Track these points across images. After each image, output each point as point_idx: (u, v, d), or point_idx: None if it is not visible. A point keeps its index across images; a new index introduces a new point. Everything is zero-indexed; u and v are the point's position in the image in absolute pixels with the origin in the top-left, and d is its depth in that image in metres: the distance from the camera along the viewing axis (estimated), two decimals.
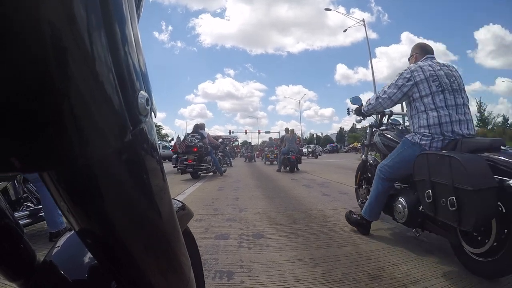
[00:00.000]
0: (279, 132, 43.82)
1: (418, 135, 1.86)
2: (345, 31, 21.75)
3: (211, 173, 7.90)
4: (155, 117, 0.41)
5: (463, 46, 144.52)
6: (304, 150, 25.46)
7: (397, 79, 1.95)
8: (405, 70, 1.95)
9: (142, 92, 0.34)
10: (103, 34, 0.28)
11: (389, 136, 2.36)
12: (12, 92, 0.23)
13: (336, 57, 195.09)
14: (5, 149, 0.24)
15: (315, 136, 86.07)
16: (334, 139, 75.30)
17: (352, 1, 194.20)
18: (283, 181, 6.07)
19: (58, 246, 0.52)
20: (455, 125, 1.77)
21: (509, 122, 38.17)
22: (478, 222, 1.32)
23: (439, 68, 1.89)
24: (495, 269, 1.40)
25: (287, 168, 8.92)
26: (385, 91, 2.02)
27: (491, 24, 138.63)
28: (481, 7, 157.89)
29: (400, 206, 1.95)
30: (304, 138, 55.72)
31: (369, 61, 18.04)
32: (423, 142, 1.81)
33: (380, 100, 2.07)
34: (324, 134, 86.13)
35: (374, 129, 2.66)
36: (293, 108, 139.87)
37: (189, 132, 7.93)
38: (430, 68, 1.87)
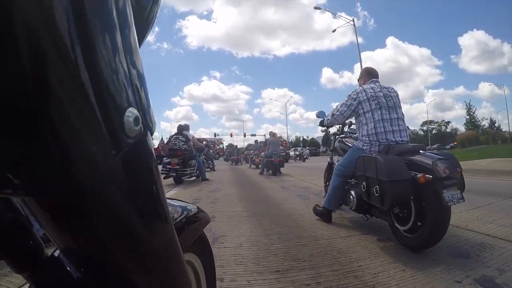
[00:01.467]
0: (264, 135, 43.84)
1: (361, 142, 2.35)
2: (334, 31, 21.38)
3: (194, 178, 7.26)
4: (152, 134, 0.37)
5: (447, 51, 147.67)
6: (291, 153, 24.61)
7: (347, 99, 2.47)
8: (353, 92, 2.46)
9: (131, 110, 0.31)
10: (78, 45, 0.25)
11: (346, 142, 2.86)
12: None
13: (322, 61, 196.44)
14: None
15: (301, 139, 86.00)
16: (320, 142, 75.29)
17: (338, 6, 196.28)
18: (273, 190, 5.13)
19: None
20: (389, 134, 2.24)
21: (495, 125, 39.12)
22: (393, 203, 1.83)
23: (379, 90, 2.37)
24: (418, 243, 1.83)
25: (270, 171, 8.92)
26: (338, 109, 2.55)
27: (474, 30, 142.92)
28: (465, 13, 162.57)
29: (351, 197, 2.42)
30: (290, 141, 55.18)
31: (359, 62, 17.42)
32: (365, 147, 2.31)
33: (335, 117, 2.61)
34: (310, 137, 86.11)
35: (336, 136, 3.18)
36: (278, 111, 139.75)
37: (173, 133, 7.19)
38: (372, 91, 2.36)
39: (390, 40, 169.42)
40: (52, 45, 0.23)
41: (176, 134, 6.87)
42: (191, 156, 6.72)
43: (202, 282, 0.77)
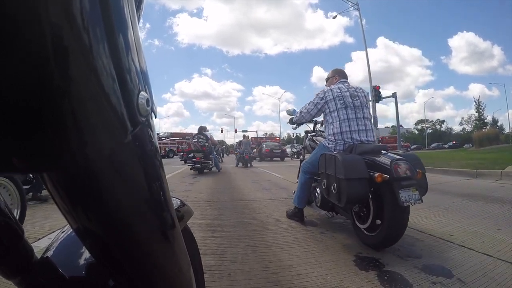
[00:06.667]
0: (256, 132, 50.83)
1: (328, 141, 2.40)
2: (334, 17, 20.02)
3: (214, 168, 9.10)
4: (156, 117, 0.40)
5: (437, 52, 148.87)
6: (288, 150, 22.53)
7: (315, 98, 2.52)
8: (321, 92, 2.50)
9: (143, 93, 0.34)
10: (103, 34, 0.28)
11: (316, 140, 2.94)
12: (12, 93, 0.23)
13: (313, 60, 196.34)
14: (4, 150, 0.24)
15: (293, 136, 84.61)
16: None
17: (330, 6, 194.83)
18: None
19: (56, 244, 0.52)
20: (354, 134, 2.28)
21: (498, 124, 38.11)
22: (349, 201, 1.84)
23: (346, 90, 2.42)
24: (378, 242, 1.89)
25: (242, 164, 11.96)
26: (306, 107, 2.60)
27: (464, 31, 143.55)
28: (455, 15, 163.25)
29: (316, 194, 2.57)
30: (282, 138, 53.87)
31: (364, 49, 15.46)
32: (330, 145, 2.35)
33: (303, 114, 2.65)
34: (302, 135, 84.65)
35: (308, 134, 3.21)
36: (270, 109, 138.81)
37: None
38: (338, 90, 2.41)
39: (381, 40, 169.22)
40: (87, 40, 0.26)
41: (197, 134, 8.63)
42: (210, 151, 8.49)
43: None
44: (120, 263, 0.40)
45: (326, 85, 2.71)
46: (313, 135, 3.11)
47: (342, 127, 2.29)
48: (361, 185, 1.82)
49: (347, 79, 2.62)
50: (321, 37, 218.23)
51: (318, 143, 2.70)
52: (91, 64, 0.27)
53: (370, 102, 16.00)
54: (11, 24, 0.21)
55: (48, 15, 0.23)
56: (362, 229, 2.02)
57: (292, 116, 2.93)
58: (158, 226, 0.42)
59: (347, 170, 1.83)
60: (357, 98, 2.38)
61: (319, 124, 3.18)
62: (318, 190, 2.48)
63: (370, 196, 1.91)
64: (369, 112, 2.43)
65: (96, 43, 0.27)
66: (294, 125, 3.02)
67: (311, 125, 3.30)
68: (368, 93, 2.57)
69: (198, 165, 8.06)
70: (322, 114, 2.57)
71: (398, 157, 1.94)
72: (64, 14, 0.24)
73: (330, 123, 2.39)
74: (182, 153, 10.14)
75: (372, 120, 2.46)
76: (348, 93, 2.38)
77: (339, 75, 2.64)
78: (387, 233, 1.81)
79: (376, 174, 1.81)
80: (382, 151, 2.11)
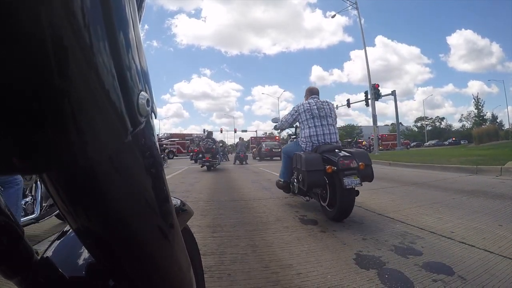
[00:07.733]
0: (256, 131, 53.95)
1: (301, 142, 3.19)
2: (333, 16, 20.06)
3: (218, 166, 11.02)
4: (156, 117, 0.40)
5: (436, 50, 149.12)
6: None
7: (291, 110, 3.41)
8: (296, 106, 3.36)
9: (143, 93, 0.34)
10: (104, 33, 0.28)
11: (295, 141, 3.57)
12: (11, 93, 0.23)
13: (312, 59, 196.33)
14: (4, 150, 0.24)
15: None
16: None
17: (329, 5, 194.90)
18: None
19: (56, 244, 0.52)
20: (320, 137, 3.06)
21: (497, 120, 38.08)
22: (310, 186, 2.66)
23: (314, 104, 3.20)
24: (335, 215, 2.67)
25: (239, 162, 14.56)
26: (285, 117, 3.52)
27: (463, 29, 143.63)
28: (454, 12, 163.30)
29: (294, 183, 3.20)
30: (282, 137, 53.98)
31: (363, 47, 15.47)
32: (302, 146, 3.14)
33: (282, 122, 3.57)
34: None
35: (291, 137, 3.96)
36: (269, 108, 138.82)
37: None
38: (308, 105, 3.21)
39: (379, 39, 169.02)
40: (88, 39, 0.26)
41: (206, 137, 10.60)
42: (217, 152, 10.32)
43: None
44: (120, 263, 0.40)
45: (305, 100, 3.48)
46: (294, 138, 3.86)
47: (311, 132, 3.08)
48: (317, 175, 2.63)
49: (318, 95, 3.40)
50: (320, 37, 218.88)
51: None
52: (91, 64, 0.27)
53: (370, 101, 16.00)
54: (11, 24, 0.21)
55: (48, 14, 0.23)
56: (325, 206, 2.81)
57: (276, 123, 3.81)
58: (158, 226, 0.42)
59: (307, 164, 2.64)
60: (323, 109, 3.15)
61: (299, 129, 3.99)
62: (295, 180, 3.13)
63: (327, 182, 2.71)
64: (334, 119, 3.18)
65: (97, 42, 0.27)
66: (278, 130, 3.88)
67: (293, 129, 4.07)
68: (333, 104, 3.35)
69: (207, 164, 9.91)
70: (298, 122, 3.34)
71: (346, 154, 2.72)
72: (65, 13, 0.24)
73: (302, 129, 3.18)
74: (191, 154, 15.15)
75: (335, 125, 3.21)
76: (315, 106, 3.16)
77: (310, 93, 3.42)
78: (339, 207, 2.60)
79: (328, 167, 2.60)
80: (336, 150, 2.86)
